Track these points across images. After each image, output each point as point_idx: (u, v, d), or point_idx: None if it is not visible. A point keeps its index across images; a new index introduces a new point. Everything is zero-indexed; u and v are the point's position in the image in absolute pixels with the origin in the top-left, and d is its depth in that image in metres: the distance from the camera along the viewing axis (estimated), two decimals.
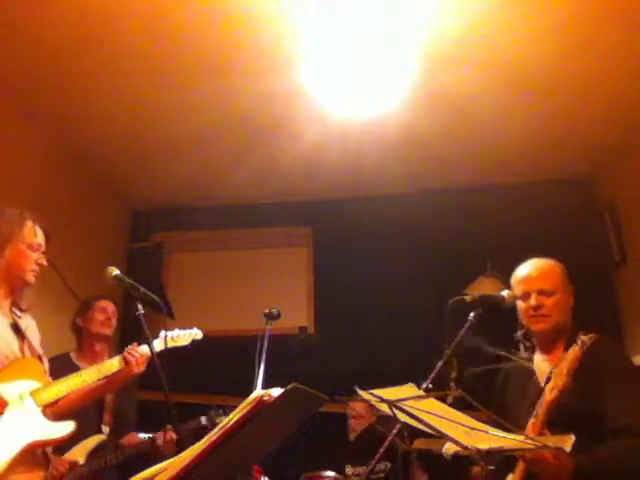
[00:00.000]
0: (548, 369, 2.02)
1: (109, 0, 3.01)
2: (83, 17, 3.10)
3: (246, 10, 3.07)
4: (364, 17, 3.15)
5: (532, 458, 1.72)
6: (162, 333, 2.61)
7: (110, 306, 3.23)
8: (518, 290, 2.17)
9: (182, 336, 2.74)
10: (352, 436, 4.14)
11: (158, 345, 2.54)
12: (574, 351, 1.75)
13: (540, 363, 2.14)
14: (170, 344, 2.64)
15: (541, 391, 1.93)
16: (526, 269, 2.20)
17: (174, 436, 2.86)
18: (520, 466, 1.83)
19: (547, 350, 2.13)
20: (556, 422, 1.75)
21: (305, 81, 3.66)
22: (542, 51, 3.39)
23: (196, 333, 2.80)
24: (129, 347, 2.49)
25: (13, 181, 3.73)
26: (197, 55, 3.44)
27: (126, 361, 2.42)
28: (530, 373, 2.13)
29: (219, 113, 3.96)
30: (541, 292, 2.11)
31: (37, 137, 4.05)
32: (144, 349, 2.46)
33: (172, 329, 2.71)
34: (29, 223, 2.20)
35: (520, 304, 2.17)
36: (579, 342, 1.77)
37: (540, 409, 1.79)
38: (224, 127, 4.14)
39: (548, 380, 1.88)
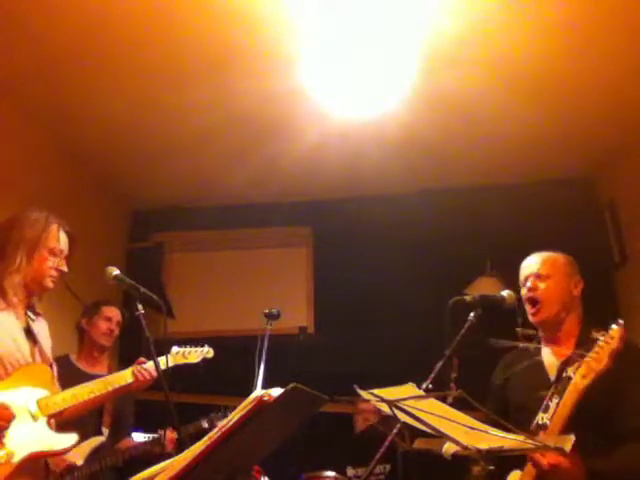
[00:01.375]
0: (557, 361, 2.00)
1: (109, 0, 3.02)
2: (83, 17, 3.10)
3: (246, 10, 3.07)
4: (364, 17, 3.15)
5: (547, 464, 1.69)
6: (173, 349, 2.60)
7: (116, 315, 3.22)
8: (521, 278, 2.20)
9: (193, 353, 2.74)
10: (358, 429, 4.14)
11: (169, 361, 2.55)
12: (618, 332, 1.68)
13: (547, 354, 2.11)
14: (181, 361, 2.64)
15: (550, 385, 1.92)
16: (529, 258, 2.23)
17: (175, 436, 2.87)
18: (529, 467, 1.80)
19: (553, 340, 2.11)
20: (579, 416, 1.71)
21: (305, 81, 3.65)
22: (542, 51, 3.39)
23: (207, 351, 2.80)
24: (139, 363, 2.50)
25: (13, 181, 3.73)
26: (197, 55, 3.43)
27: (135, 378, 2.43)
28: (538, 364, 2.10)
29: (219, 113, 3.96)
30: (537, 276, 2.13)
31: (37, 137, 4.05)
32: (152, 367, 2.47)
33: (184, 346, 2.70)
34: (54, 227, 2.17)
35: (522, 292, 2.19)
36: (619, 324, 1.71)
37: (567, 399, 1.73)
38: (224, 127, 4.13)
39: (562, 371, 1.85)
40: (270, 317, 2.97)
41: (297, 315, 4.98)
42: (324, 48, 3.38)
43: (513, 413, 2.03)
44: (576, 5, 3.07)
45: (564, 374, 1.85)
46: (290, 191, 5.07)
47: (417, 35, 3.29)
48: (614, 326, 1.72)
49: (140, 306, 2.31)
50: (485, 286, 4.34)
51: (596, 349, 1.71)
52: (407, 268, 4.73)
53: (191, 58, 3.46)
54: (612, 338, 1.70)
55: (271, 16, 3.12)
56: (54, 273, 2.15)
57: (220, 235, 5.36)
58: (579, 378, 1.72)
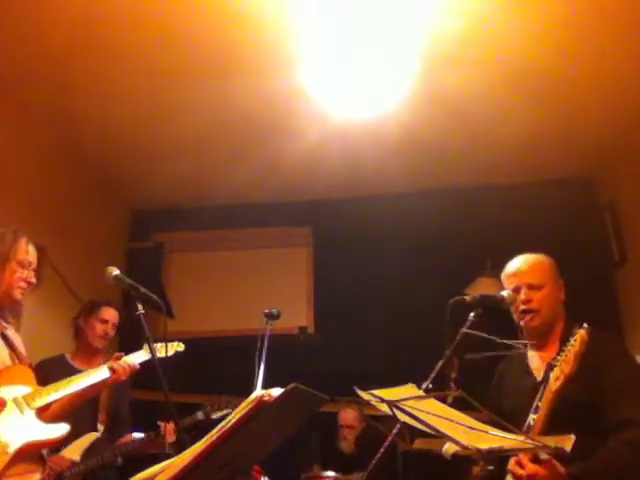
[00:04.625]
0: (542, 364, 2.01)
1: (110, 0, 3.02)
2: (84, 16, 3.10)
3: (247, 10, 3.07)
4: (364, 17, 3.15)
5: (525, 476, 1.70)
6: (145, 345, 2.62)
7: (113, 318, 3.20)
8: (508, 285, 2.19)
9: (162, 348, 2.81)
10: (345, 446, 4.13)
11: (142, 355, 2.59)
12: (581, 336, 1.72)
13: (534, 359, 2.13)
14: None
15: (538, 386, 1.93)
16: (515, 264, 2.21)
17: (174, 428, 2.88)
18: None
19: (540, 346, 2.13)
20: (559, 413, 1.72)
21: (305, 81, 3.66)
22: (542, 51, 3.39)
23: (178, 344, 2.91)
24: (116, 358, 2.53)
25: (13, 181, 3.73)
26: (197, 54, 3.43)
27: (113, 371, 2.47)
28: (526, 369, 2.13)
29: (219, 112, 3.96)
30: (530, 286, 2.12)
31: (37, 136, 4.05)
32: (131, 359, 2.55)
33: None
34: (23, 240, 2.23)
35: None
36: (585, 328, 1.75)
37: (544, 401, 1.75)
38: (224, 126, 4.14)
39: (548, 372, 1.86)
40: (270, 317, 2.97)
41: (297, 315, 4.99)
42: (324, 48, 3.38)
43: (509, 418, 2.04)
44: (576, 5, 3.07)
45: (550, 375, 1.86)
46: (290, 191, 5.07)
47: (417, 35, 3.29)
48: (579, 330, 1.73)
49: (140, 306, 2.32)
50: (485, 286, 4.34)
51: (565, 352, 1.73)
52: (407, 268, 4.74)
53: (191, 57, 3.46)
54: (575, 341, 1.72)
55: (271, 16, 3.12)
56: (23, 285, 2.19)
57: (220, 235, 5.37)
58: (552, 380, 1.74)
